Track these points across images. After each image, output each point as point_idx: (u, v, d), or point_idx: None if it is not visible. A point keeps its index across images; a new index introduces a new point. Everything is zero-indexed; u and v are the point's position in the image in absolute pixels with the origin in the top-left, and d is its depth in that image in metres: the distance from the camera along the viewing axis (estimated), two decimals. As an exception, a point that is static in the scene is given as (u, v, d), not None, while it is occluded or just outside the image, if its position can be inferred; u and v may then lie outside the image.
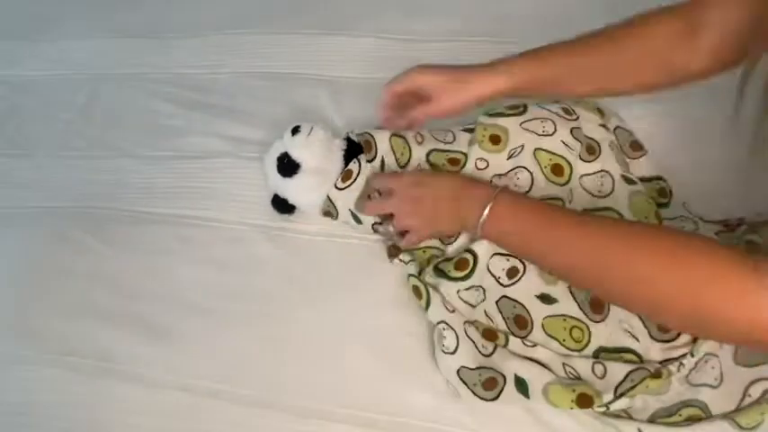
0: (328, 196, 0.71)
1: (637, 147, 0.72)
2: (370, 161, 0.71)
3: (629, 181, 0.68)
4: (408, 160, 0.71)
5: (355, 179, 0.71)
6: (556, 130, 0.68)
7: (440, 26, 0.92)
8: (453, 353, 0.61)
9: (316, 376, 0.64)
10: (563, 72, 0.65)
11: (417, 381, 0.63)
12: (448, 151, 0.71)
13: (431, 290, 0.64)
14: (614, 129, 0.73)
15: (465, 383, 0.60)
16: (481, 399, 0.60)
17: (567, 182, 0.67)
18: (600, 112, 0.73)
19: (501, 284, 0.62)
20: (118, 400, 0.65)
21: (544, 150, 0.67)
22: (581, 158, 0.68)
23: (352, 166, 0.72)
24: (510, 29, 0.90)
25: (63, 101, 0.92)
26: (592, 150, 0.69)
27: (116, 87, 0.92)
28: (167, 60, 0.94)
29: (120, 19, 1.01)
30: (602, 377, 0.58)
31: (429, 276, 0.66)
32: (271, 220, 0.75)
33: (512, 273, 0.62)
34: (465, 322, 0.63)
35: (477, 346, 0.62)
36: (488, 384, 0.60)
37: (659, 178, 0.71)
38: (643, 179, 0.70)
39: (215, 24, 0.98)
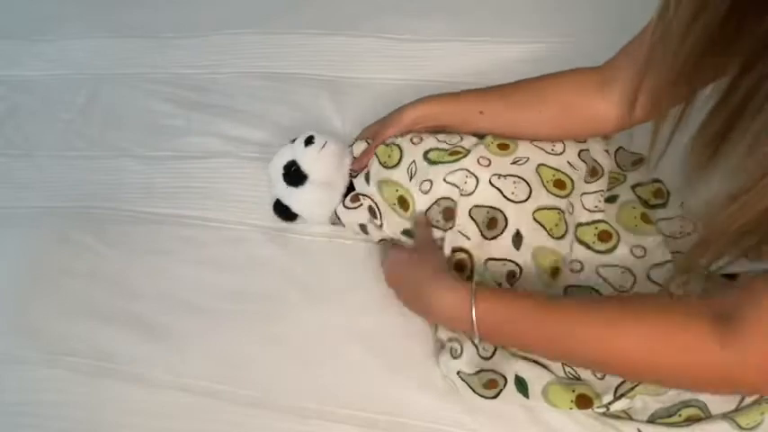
0: (336, 212, 0.71)
1: (640, 161, 0.72)
2: (353, 176, 0.72)
3: (611, 199, 0.69)
4: (399, 161, 0.70)
5: (379, 215, 0.70)
6: (564, 150, 0.69)
7: (440, 26, 0.92)
8: (458, 357, 0.61)
9: (316, 376, 0.64)
10: (474, 114, 0.69)
11: (417, 381, 0.63)
12: (449, 146, 0.70)
13: None
14: (616, 150, 0.73)
15: (464, 381, 0.61)
16: (480, 396, 0.60)
17: (568, 195, 0.66)
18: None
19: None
20: (118, 400, 0.65)
21: (548, 167, 0.67)
22: (584, 180, 0.68)
23: (365, 201, 0.70)
24: (510, 29, 0.90)
25: (63, 101, 0.92)
26: (595, 173, 0.69)
27: (116, 87, 0.92)
28: (167, 60, 0.94)
29: (120, 19, 1.01)
30: (602, 378, 0.58)
31: None
32: (271, 221, 0.75)
33: (509, 276, 0.63)
34: None
35: (477, 349, 0.62)
36: (490, 384, 0.60)
37: (657, 181, 0.71)
38: (640, 184, 0.70)
39: (215, 24, 0.97)
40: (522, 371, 0.60)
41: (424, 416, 0.61)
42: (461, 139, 0.71)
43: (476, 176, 0.66)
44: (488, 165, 0.67)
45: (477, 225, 0.65)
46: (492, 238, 0.64)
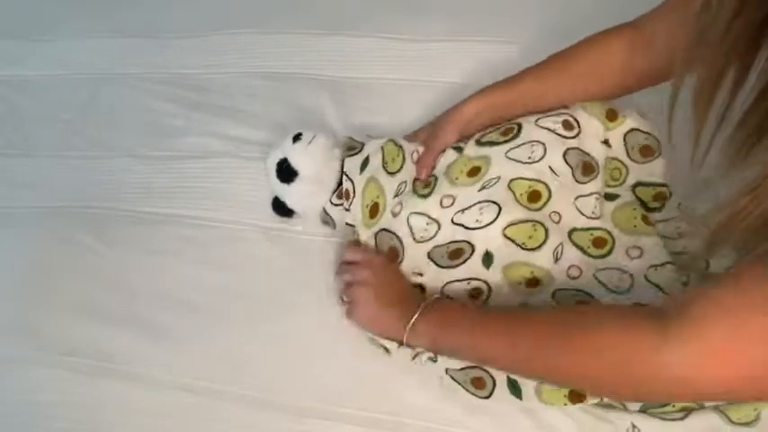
0: (324, 209, 0.72)
1: (648, 151, 0.69)
2: (352, 154, 0.72)
3: (609, 197, 0.68)
4: (400, 169, 0.71)
5: (353, 197, 0.71)
6: (545, 155, 0.66)
7: (440, 26, 0.92)
8: (435, 361, 0.62)
9: (316, 376, 0.64)
10: (533, 89, 0.70)
11: (417, 380, 0.63)
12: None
13: None
14: (626, 132, 0.69)
15: (456, 381, 0.61)
16: (474, 395, 0.60)
17: (544, 205, 0.65)
18: (611, 116, 0.69)
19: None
20: (118, 400, 0.65)
21: (523, 179, 0.66)
22: (578, 180, 0.67)
23: (347, 184, 0.71)
24: (510, 29, 0.90)
25: (63, 101, 0.92)
26: (589, 170, 0.67)
27: (116, 87, 0.92)
28: (167, 60, 0.94)
29: (120, 19, 1.01)
30: None
31: None
32: (270, 221, 0.75)
33: (474, 295, 0.65)
34: None
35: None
36: (477, 383, 0.61)
37: (662, 185, 0.69)
38: (642, 183, 0.69)
39: (215, 24, 0.97)
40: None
41: (424, 415, 0.61)
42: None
43: (437, 222, 0.67)
44: (451, 204, 0.67)
45: (436, 263, 0.66)
46: (455, 266, 0.65)
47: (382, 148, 0.72)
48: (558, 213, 0.66)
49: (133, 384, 0.65)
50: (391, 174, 0.71)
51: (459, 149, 0.70)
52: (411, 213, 0.68)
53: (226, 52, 0.94)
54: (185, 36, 0.97)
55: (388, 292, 0.64)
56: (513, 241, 0.64)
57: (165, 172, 0.81)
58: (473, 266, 0.65)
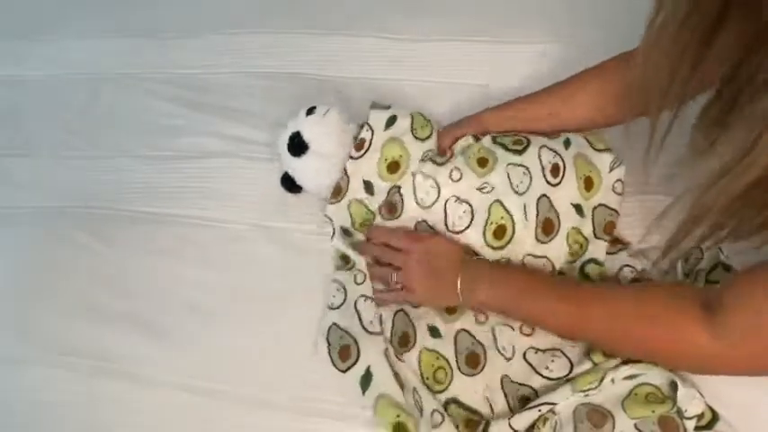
0: (345, 167, 0.72)
1: (611, 228, 0.69)
2: (378, 108, 0.73)
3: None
4: (429, 136, 0.72)
5: (368, 148, 0.71)
6: (527, 191, 0.67)
7: (440, 26, 0.92)
8: (336, 308, 0.66)
9: (316, 376, 0.64)
10: (531, 110, 0.72)
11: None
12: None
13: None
14: (594, 208, 0.69)
15: (328, 342, 0.64)
16: (332, 364, 0.63)
17: (503, 246, 0.66)
18: (588, 184, 0.69)
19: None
20: (118, 400, 0.65)
21: (503, 206, 0.67)
22: (536, 237, 0.66)
23: (364, 134, 0.72)
24: (510, 29, 0.90)
25: (63, 101, 0.92)
26: (549, 229, 0.67)
27: (116, 87, 0.92)
28: (167, 60, 0.94)
29: (120, 19, 1.01)
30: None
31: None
32: (271, 220, 0.75)
33: None
34: (361, 295, 0.67)
35: (360, 317, 0.65)
36: (343, 353, 0.63)
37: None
38: (595, 261, 0.68)
39: (215, 24, 0.97)
40: (375, 365, 0.62)
41: (424, 416, 0.61)
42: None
43: (439, 190, 0.69)
44: (458, 179, 0.68)
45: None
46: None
47: (412, 115, 0.73)
48: (510, 261, 0.67)
49: (133, 384, 0.65)
50: (420, 139, 0.72)
51: (476, 138, 0.72)
52: (420, 172, 0.70)
53: (226, 52, 0.94)
54: (185, 36, 0.97)
55: (441, 265, 0.66)
56: None
57: (164, 172, 0.81)
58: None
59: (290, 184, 0.74)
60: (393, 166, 0.71)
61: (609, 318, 0.57)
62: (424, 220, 0.70)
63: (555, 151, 0.69)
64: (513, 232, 0.66)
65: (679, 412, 0.55)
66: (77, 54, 0.97)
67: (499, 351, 0.63)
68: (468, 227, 0.67)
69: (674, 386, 0.56)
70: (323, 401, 0.63)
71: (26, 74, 0.97)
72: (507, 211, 0.66)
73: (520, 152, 0.69)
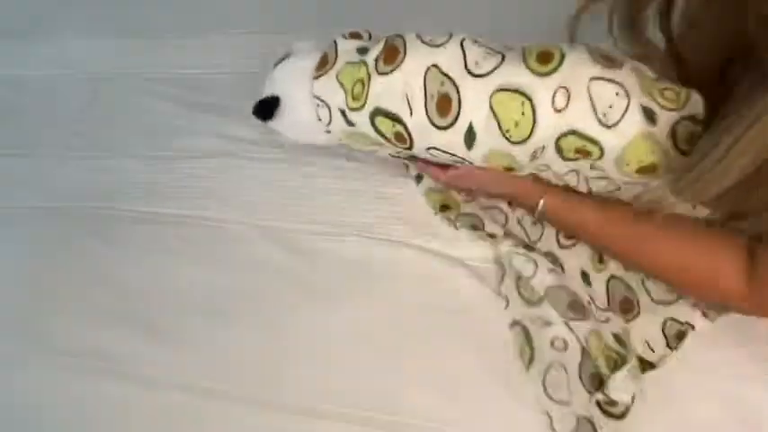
0: (315, 94, 0.64)
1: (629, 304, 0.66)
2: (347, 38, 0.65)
3: None
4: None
5: (334, 63, 0.63)
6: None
7: (440, 26, 0.92)
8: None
9: (316, 376, 0.64)
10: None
11: (417, 380, 0.63)
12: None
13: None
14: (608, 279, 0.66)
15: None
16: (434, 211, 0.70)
17: (554, 70, 0.55)
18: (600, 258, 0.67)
19: None
20: (118, 400, 0.65)
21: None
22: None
23: (327, 50, 0.64)
24: (510, 29, 0.89)
25: (63, 101, 0.92)
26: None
27: (116, 87, 0.92)
28: (167, 60, 0.94)
29: (120, 19, 1.01)
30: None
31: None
32: (271, 220, 0.75)
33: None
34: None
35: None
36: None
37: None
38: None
39: (215, 24, 0.97)
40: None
41: (425, 415, 0.61)
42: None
43: (450, 33, 0.59)
44: (475, 42, 0.58)
45: (426, 98, 0.58)
46: (441, 128, 0.58)
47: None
48: (566, 90, 0.54)
49: (133, 384, 0.65)
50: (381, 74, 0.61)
51: None
52: (418, 36, 0.61)
53: (226, 52, 0.94)
54: (185, 36, 0.97)
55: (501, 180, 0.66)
56: (497, 121, 0.56)
57: (165, 172, 0.81)
58: (455, 142, 0.59)
59: (263, 104, 0.69)
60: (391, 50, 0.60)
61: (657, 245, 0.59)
62: (435, 65, 0.57)
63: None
64: (563, 56, 0.54)
65: None
66: (77, 54, 0.97)
67: None
68: (499, 65, 0.55)
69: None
70: (323, 402, 0.63)
71: (26, 74, 0.97)
72: (547, 44, 0.55)
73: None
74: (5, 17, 1.05)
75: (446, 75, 0.56)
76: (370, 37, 0.67)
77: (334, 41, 0.65)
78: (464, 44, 0.57)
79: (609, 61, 0.54)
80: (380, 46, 0.60)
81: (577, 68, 0.54)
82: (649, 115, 0.53)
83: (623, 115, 0.53)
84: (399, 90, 0.59)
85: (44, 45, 0.99)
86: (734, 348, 0.61)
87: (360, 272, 0.70)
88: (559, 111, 0.54)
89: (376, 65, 0.60)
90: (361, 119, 0.63)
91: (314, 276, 0.70)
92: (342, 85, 0.62)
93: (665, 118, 0.53)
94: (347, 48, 0.63)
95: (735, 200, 0.48)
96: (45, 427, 0.64)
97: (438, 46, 0.58)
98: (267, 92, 0.69)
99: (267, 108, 0.68)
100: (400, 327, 0.66)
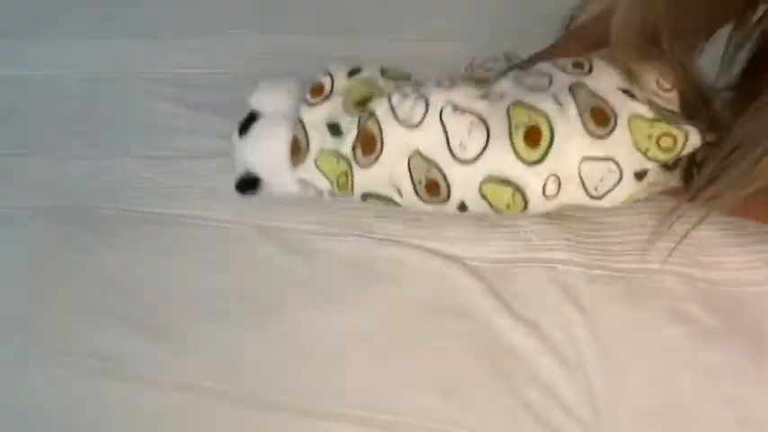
0: (299, 116, 0.59)
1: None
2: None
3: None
4: (407, 79, 0.59)
5: (329, 93, 0.59)
6: (551, 85, 0.55)
7: (440, 26, 0.92)
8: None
9: (316, 376, 0.64)
10: None
11: (417, 380, 0.63)
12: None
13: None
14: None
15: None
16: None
17: (543, 156, 0.52)
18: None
19: None
20: (118, 400, 0.65)
21: (524, 106, 0.52)
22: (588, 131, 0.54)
23: (323, 78, 0.60)
24: (510, 29, 0.90)
25: (63, 101, 0.92)
26: (601, 117, 0.52)
27: (116, 87, 0.92)
28: (167, 60, 0.94)
29: (120, 19, 1.01)
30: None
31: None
32: (271, 220, 0.75)
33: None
34: None
35: None
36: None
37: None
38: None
39: (215, 24, 0.98)
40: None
41: (425, 415, 0.61)
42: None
43: (427, 102, 0.53)
44: (449, 89, 0.54)
45: (414, 183, 0.55)
46: (430, 203, 0.57)
47: (381, 66, 0.62)
48: (557, 178, 0.51)
49: (133, 384, 0.65)
50: (394, 80, 0.59)
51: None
52: (396, 91, 0.55)
53: (226, 52, 0.94)
54: (185, 36, 0.97)
55: None
56: (488, 202, 0.54)
57: (165, 172, 0.81)
58: (449, 210, 0.58)
59: (244, 181, 0.65)
60: (363, 103, 0.56)
61: None
62: (417, 151, 0.52)
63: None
64: (552, 133, 0.49)
65: None
66: (77, 54, 0.97)
67: None
68: (485, 147, 0.50)
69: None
70: (323, 402, 0.63)
71: (26, 74, 0.97)
72: (534, 108, 0.50)
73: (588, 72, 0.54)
74: (5, 17, 1.05)
75: (431, 161, 0.53)
76: (332, 83, 0.60)
77: (300, 119, 0.59)
78: (443, 117, 0.52)
79: (601, 120, 0.50)
80: (354, 132, 0.55)
81: (567, 149, 0.50)
82: (641, 175, 0.52)
83: (615, 186, 0.52)
84: (385, 180, 0.57)
85: (44, 45, 0.99)
86: (734, 348, 0.61)
87: (360, 272, 0.70)
88: (551, 196, 0.53)
89: (354, 156, 0.56)
90: (354, 197, 0.62)
91: (314, 276, 0.70)
92: (324, 173, 0.60)
93: (658, 166, 0.52)
94: (314, 121, 0.58)
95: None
96: (45, 427, 0.64)
97: (416, 126, 0.53)
98: (242, 169, 0.64)
99: (250, 185, 0.65)
100: (400, 326, 0.66)
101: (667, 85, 0.52)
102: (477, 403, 0.61)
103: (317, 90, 0.60)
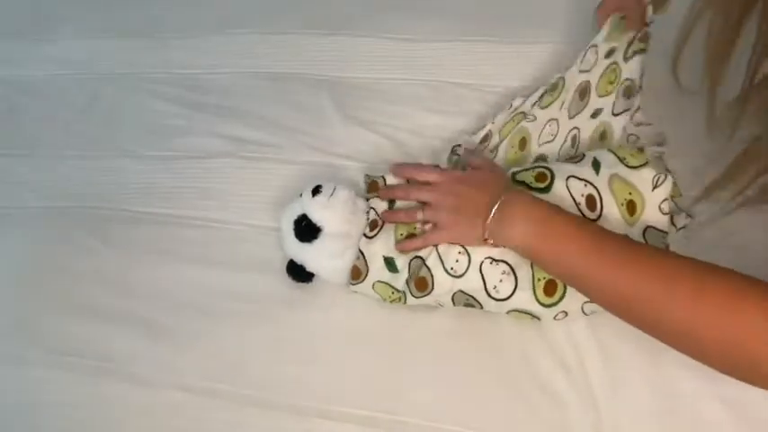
0: (359, 248, 0.67)
1: None
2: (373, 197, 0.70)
3: None
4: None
5: (382, 226, 0.68)
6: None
7: (440, 26, 0.92)
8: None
9: (316, 375, 0.64)
10: None
11: (417, 379, 0.63)
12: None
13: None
14: (644, 231, 0.62)
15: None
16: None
17: (556, 303, 0.62)
18: (631, 208, 0.62)
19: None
20: (118, 400, 0.65)
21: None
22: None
23: (373, 215, 0.68)
24: (510, 29, 0.90)
25: (63, 101, 0.92)
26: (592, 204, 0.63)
27: (116, 87, 0.92)
28: (167, 60, 0.94)
29: (120, 19, 1.01)
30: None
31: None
32: (271, 220, 0.75)
33: None
34: None
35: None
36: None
37: None
38: None
39: (215, 24, 0.97)
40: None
41: (425, 414, 0.61)
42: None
43: (469, 256, 0.63)
44: (491, 261, 0.63)
45: (453, 303, 0.65)
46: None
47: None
48: (565, 313, 0.63)
49: (133, 384, 0.65)
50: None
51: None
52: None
53: (226, 52, 0.94)
54: (185, 36, 0.97)
55: (475, 202, 0.62)
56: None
57: (165, 172, 0.81)
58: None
59: (297, 271, 0.68)
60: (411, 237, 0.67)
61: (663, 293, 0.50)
62: (461, 290, 0.64)
63: (585, 180, 0.62)
64: (564, 290, 0.61)
65: None
66: (77, 54, 0.97)
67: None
68: (513, 292, 0.62)
69: None
70: (322, 401, 0.63)
71: (26, 74, 0.96)
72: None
73: (545, 189, 0.63)
74: (5, 17, 1.05)
75: (470, 296, 0.64)
76: (384, 182, 0.71)
77: (360, 251, 0.67)
78: (482, 269, 0.63)
79: None
80: (406, 272, 0.66)
81: (574, 298, 0.61)
82: None
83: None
84: (431, 302, 0.66)
85: (44, 45, 0.99)
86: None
87: (360, 272, 0.70)
88: (559, 320, 0.65)
89: (409, 289, 0.65)
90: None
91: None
92: (378, 294, 0.68)
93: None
94: (373, 252, 0.67)
95: None
96: (44, 427, 0.64)
97: (460, 276, 0.63)
98: (300, 259, 0.68)
99: (304, 275, 0.69)
100: (400, 326, 0.66)
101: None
102: (478, 403, 0.61)
103: (373, 225, 0.68)
